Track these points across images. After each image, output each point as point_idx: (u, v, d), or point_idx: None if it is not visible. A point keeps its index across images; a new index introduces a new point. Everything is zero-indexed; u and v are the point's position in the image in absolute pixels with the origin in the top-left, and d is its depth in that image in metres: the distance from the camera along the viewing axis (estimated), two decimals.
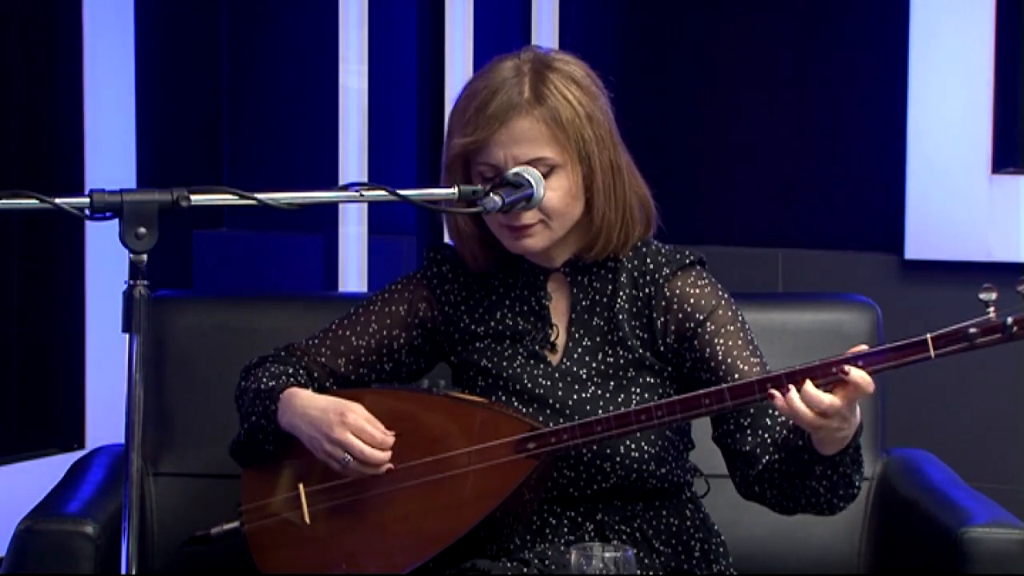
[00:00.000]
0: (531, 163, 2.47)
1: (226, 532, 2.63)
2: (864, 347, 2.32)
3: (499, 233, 2.52)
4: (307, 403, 2.52)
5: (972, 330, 2.26)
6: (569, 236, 2.54)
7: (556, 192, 2.48)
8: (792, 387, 2.29)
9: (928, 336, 2.28)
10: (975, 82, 4.07)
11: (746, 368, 2.48)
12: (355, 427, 2.47)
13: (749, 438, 2.47)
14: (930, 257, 4.14)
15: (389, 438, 2.47)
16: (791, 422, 2.40)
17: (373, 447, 2.46)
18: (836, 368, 2.29)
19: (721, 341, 2.50)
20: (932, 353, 2.28)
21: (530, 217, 2.47)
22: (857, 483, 2.43)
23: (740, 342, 2.51)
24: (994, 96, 4.07)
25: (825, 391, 2.29)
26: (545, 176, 2.47)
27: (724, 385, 2.38)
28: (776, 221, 4.37)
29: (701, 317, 2.52)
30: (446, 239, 2.70)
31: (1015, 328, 2.25)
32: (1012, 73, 4.08)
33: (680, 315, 2.53)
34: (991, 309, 2.26)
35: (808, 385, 2.28)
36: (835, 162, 4.31)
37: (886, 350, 2.30)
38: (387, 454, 2.47)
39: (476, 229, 2.56)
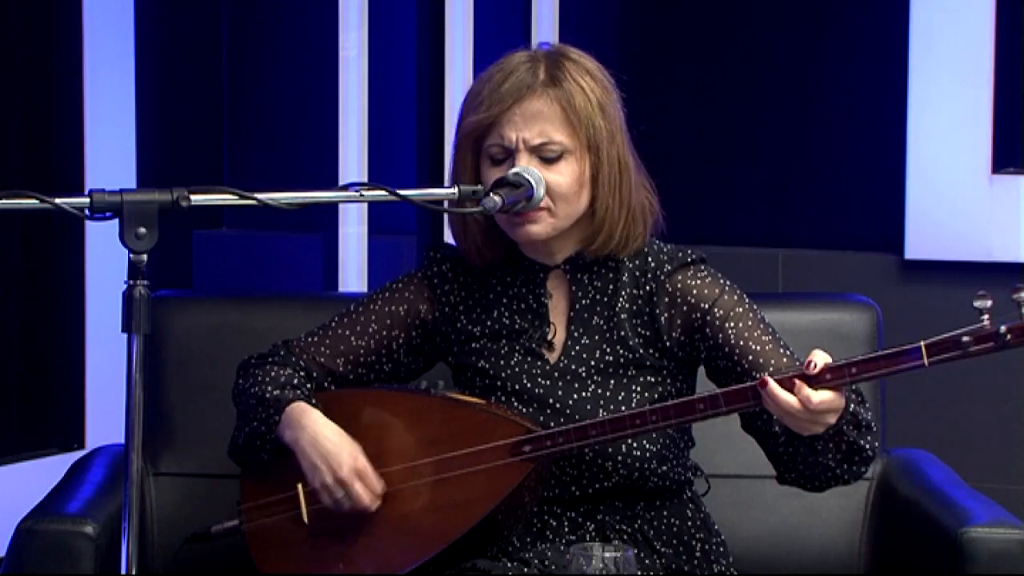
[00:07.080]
0: (541, 146, 2.47)
1: (226, 530, 2.63)
2: (820, 352, 2.32)
3: (502, 220, 2.51)
4: (318, 430, 2.52)
5: (965, 338, 2.26)
6: (571, 230, 2.53)
7: (565, 177, 2.48)
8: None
9: (922, 343, 2.28)
10: (975, 82, 4.07)
11: (759, 348, 2.48)
12: (362, 472, 2.49)
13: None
14: (930, 257, 4.14)
15: (381, 487, 2.50)
16: None
17: (372, 493, 2.49)
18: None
19: (731, 325, 2.50)
20: (926, 361, 2.28)
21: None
22: (868, 447, 2.41)
23: (751, 323, 2.50)
24: (994, 96, 4.07)
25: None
26: (554, 160, 2.48)
27: (719, 391, 2.38)
28: (776, 221, 4.37)
29: (706, 306, 2.52)
30: (447, 238, 2.70)
31: (1008, 336, 2.24)
32: (1012, 73, 4.08)
33: (685, 307, 2.53)
34: (985, 316, 2.26)
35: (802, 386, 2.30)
36: (835, 162, 4.31)
37: (879, 357, 2.30)
38: (378, 501, 2.50)
39: (484, 220, 2.56)
